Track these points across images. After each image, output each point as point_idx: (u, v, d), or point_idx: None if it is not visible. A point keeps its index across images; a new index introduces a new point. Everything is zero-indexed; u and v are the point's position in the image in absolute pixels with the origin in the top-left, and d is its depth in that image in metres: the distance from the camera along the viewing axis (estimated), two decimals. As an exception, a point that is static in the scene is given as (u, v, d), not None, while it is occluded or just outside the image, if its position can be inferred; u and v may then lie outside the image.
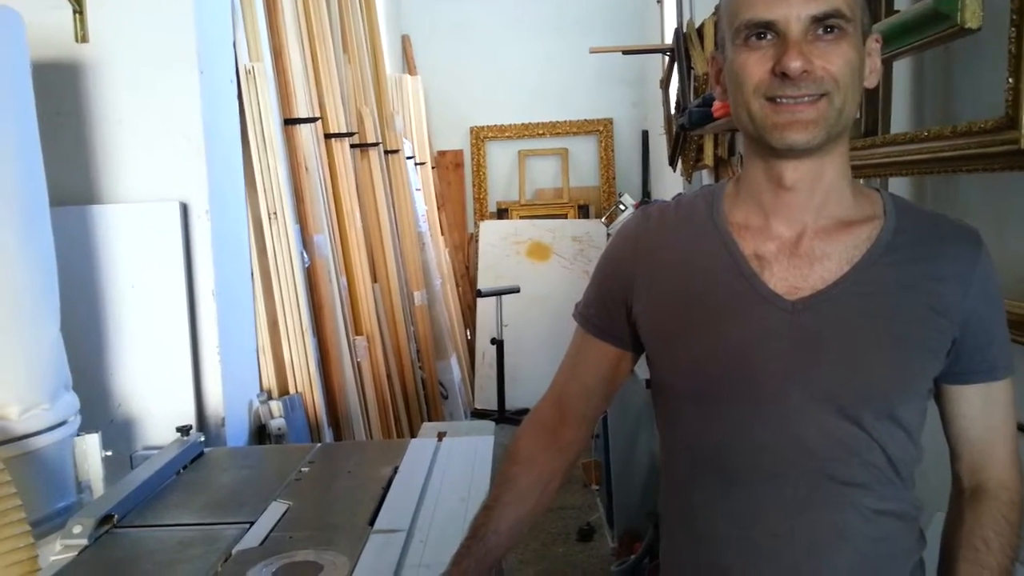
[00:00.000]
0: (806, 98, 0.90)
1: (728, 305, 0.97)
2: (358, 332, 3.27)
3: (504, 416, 5.17)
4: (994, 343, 0.98)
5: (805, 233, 0.97)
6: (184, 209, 2.03)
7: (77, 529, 1.35)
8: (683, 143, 3.96)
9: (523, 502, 1.11)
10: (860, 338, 0.93)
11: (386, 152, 4.17)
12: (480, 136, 6.13)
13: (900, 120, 1.70)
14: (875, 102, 1.73)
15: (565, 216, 6.00)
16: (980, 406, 1.00)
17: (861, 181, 1.75)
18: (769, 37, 0.90)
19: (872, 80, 0.97)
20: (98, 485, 1.63)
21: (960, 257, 0.96)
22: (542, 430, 1.16)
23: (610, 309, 1.09)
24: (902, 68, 1.70)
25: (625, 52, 4.80)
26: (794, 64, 0.87)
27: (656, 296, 1.03)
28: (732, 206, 1.02)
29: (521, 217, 6.02)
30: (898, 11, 1.58)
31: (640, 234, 1.08)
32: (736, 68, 0.93)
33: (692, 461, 1.04)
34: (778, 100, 0.90)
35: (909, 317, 0.94)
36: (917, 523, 1.02)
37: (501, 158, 6.18)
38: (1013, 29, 1.21)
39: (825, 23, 0.89)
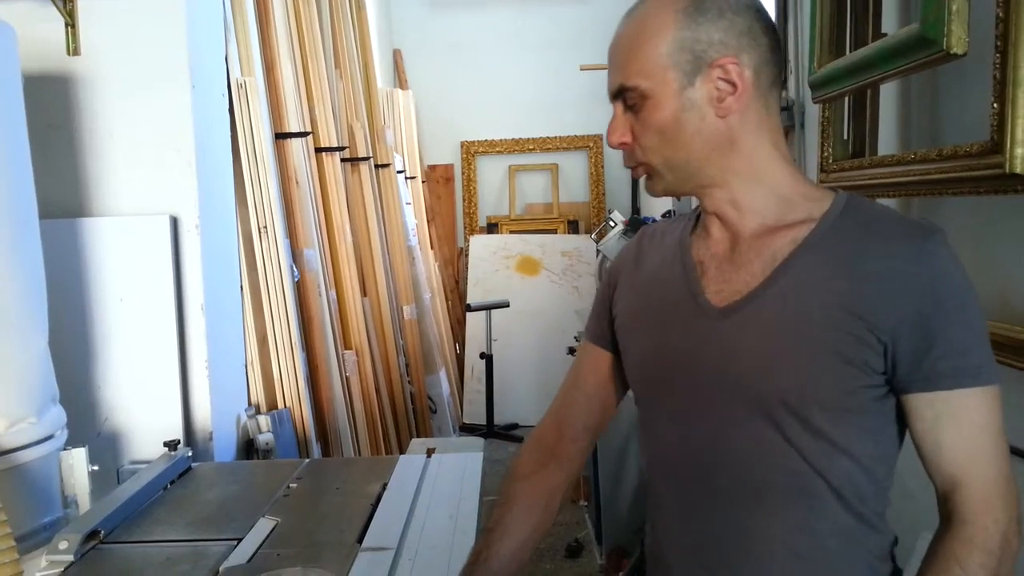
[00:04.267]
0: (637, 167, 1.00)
1: (670, 310, 1.03)
2: (347, 346, 3.27)
3: (493, 431, 5.17)
4: (936, 348, 0.89)
5: (738, 240, 1.00)
6: (174, 223, 2.03)
7: (63, 545, 1.34)
8: (673, 160, 3.97)
9: (526, 521, 1.13)
10: (767, 341, 0.94)
11: (377, 166, 4.18)
12: (471, 151, 6.15)
13: (888, 142, 1.72)
14: (863, 124, 1.75)
15: (555, 231, 6.02)
16: (931, 421, 0.91)
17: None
18: None
19: (726, 106, 0.95)
20: (84, 500, 1.62)
21: (895, 256, 0.90)
22: (542, 446, 1.18)
23: (602, 314, 1.16)
24: (889, 91, 1.72)
25: (615, 70, 4.82)
26: (609, 140, 0.99)
27: (625, 302, 1.11)
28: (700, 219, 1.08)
29: (511, 232, 6.03)
30: (885, 34, 1.60)
31: (631, 249, 1.16)
32: None
33: (646, 460, 1.10)
34: None
35: (814, 319, 0.91)
36: (875, 544, 0.97)
37: (491, 173, 6.19)
38: (997, 55, 1.23)
39: (624, 98, 0.97)
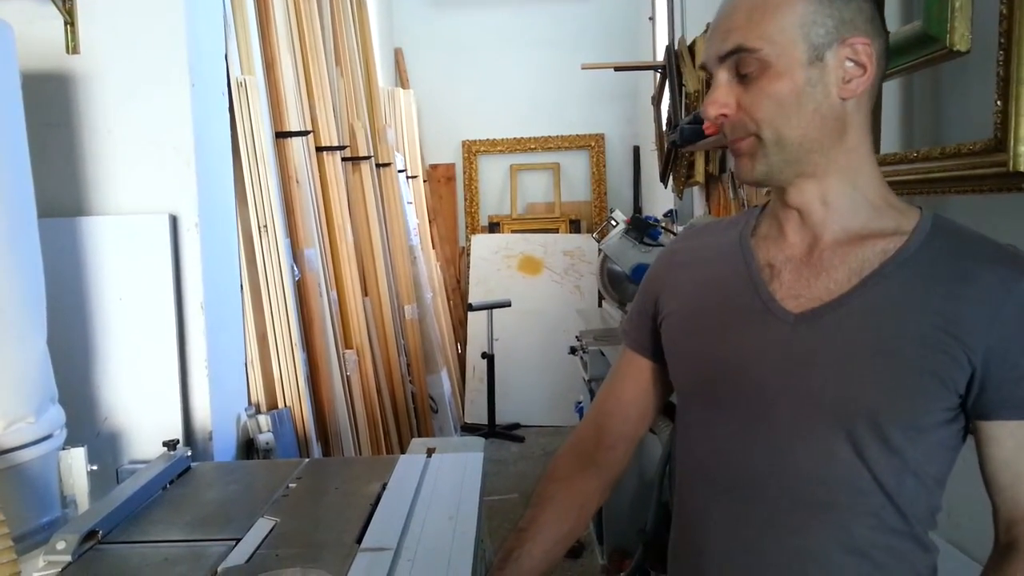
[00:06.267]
0: (742, 139, 0.94)
1: (733, 313, 0.99)
2: (348, 346, 3.26)
3: (494, 431, 5.16)
4: None
5: (817, 245, 0.97)
6: (173, 221, 2.02)
7: (61, 545, 1.33)
8: (674, 160, 3.97)
9: (560, 522, 1.11)
10: (853, 353, 0.91)
11: (378, 165, 4.18)
12: (472, 150, 6.14)
13: (890, 141, 1.71)
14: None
15: (557, 230, 6.01)
16: (1012, 449, 0.90)
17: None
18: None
19: (852, 87, 0.92)
20: (83, 500, 1.62)
21: (990, 281, 0.89)
22: (580, 450, 1.15)
23: (642, 319, 1.12)
24: (891, 89, 1.71)
25: (617, 69, 4.82)
26: (706, 113, 0.92)
27: (676, 302, 1.06)
28: (763, 219, 1.05)
29: (513, 231, 6.03)
30: (887, 32, 1.59)
31: (677, 249, 1.12)
32: None
33: (688, 465, 1.06)
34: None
35: (909, 335, 0.89)
36: (923, 564, 0.96)
37: (493, 172, 6.19)
38: (1001, 52, 1.22)
39: (736, 62, 0.92)
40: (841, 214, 0.96)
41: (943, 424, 0.92)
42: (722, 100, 0.93)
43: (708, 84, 0.97)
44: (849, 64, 0.92)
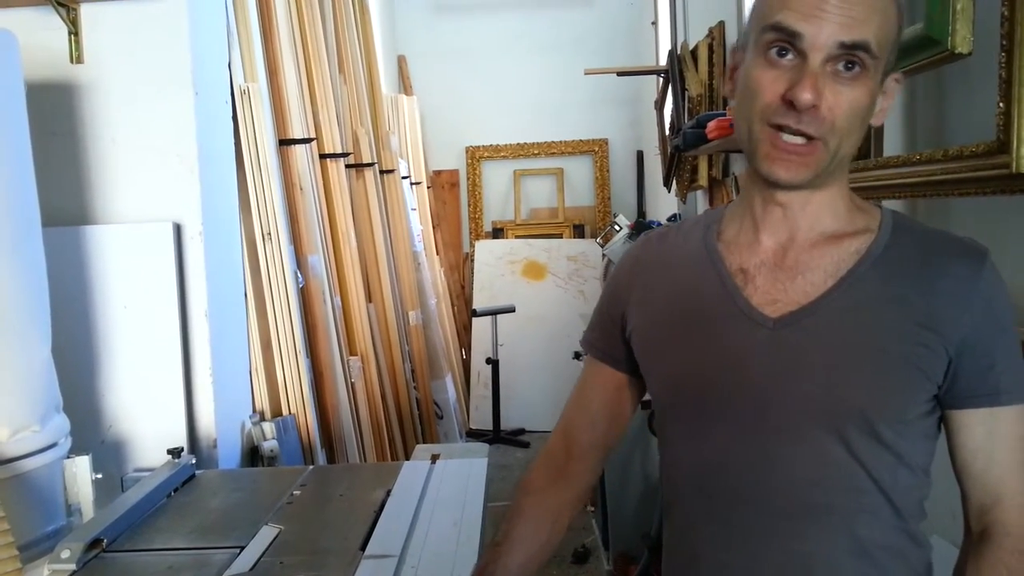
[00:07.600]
0: (802, 139, 0.88)
1: (710, 321, 0.96)
2: (352, 352, 3.26)
3: (499, 436, 5.16)
4: (998, 364, 0.91)
5: (791, 246, 0.95)
6: (177, 229, 2.03)
7: (65, 554, 1.33)
8: (677, 164, 3.97)
9: (534, 536, 1.10)
10: (839, 354, 0.90)
11: (381, 172, 4.18)
12: (475, 156, 6.15)
13: (893, 143, 1.71)
14: (868, 126, 1.74)
15: (560, 235, 6.01)
16: (983, 437, 0.92)
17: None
18: (790, 56, 0.87)
19: (879, 119, 0.94)
20: (88, 508, 1.62)
21: (958, 274, 0.91)
22: (551, 463, 1.14)
23: (609, 330, 1.09)
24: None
25: (620, 74, 4.83)
26: (805, 96, 0.85)
27: (646, 314, 1.04)
28: (729, 223, 1.02)
29: (516, 236, 6.03)
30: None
31: (639, 256, 1.09)
32: (751, 81, 0.90)
33: (677, 478, 1.04)
34: (780, 131, 0.88)
35: (891, 332, 0.90)
36: (918, 559, 0.96)
37: (496, 178, 6.19)
38: (1003, 54, 1.22)
39: (849, 58, 0.85)
40: (820, 216, 0.96)
41: (925, 415, 0.93)
42: (820, 89, 0.86)
43: (768, 44, 0.88)
44: (889, 94, 0.94)
